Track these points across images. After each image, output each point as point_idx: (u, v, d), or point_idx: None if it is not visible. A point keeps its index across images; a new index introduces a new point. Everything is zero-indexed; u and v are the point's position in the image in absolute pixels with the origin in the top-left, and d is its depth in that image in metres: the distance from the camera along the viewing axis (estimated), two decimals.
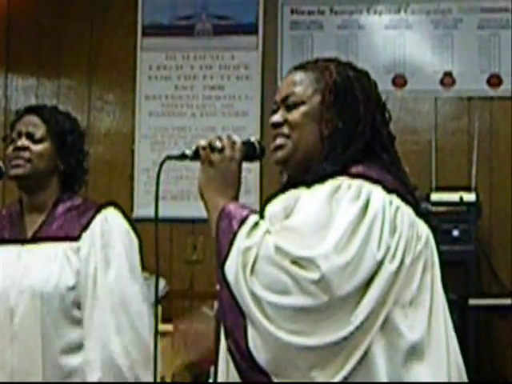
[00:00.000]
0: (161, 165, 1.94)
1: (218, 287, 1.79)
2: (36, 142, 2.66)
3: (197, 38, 5.35)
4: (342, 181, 1.78)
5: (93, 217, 2.66)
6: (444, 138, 5.06)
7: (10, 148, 2.66)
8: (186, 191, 5.18)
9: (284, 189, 1.90)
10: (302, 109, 1.91)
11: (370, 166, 1.83)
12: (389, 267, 1.71)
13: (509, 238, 4.89)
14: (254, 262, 1.73)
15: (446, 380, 1.75)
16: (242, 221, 1.79)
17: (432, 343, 1.74)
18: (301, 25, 5.27)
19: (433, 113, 5.10)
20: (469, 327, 4.20)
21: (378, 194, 1.77)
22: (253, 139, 1.99)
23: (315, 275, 1.67)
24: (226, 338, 1.77)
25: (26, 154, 2.64)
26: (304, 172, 1.89)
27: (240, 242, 1.76)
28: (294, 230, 1.74)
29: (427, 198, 4.42)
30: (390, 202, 1.77)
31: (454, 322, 1.85)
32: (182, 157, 1.96)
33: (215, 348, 1.89)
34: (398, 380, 1.70)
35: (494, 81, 5.07)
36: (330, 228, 1.71)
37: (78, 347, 2.57)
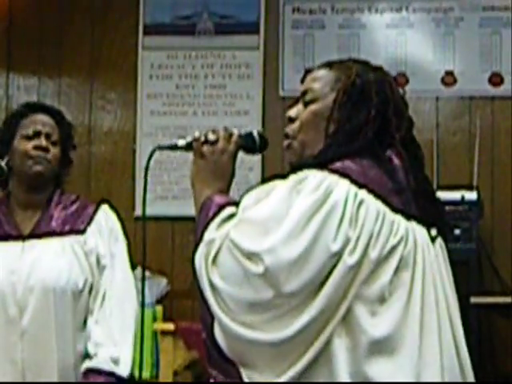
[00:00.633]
0: (150, 155, 1.97)
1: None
2: (52, 143, 2.73)
3: (198, 37, 5.35)
4: (309, 172, 1.75)
5: (95, 211, 2.75)
6: (445, 136, 5.06)
7: (30, 145, 2.70)
8: (187, 190, 5.17)
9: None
10: (314, 107, 1.90)
11: (357, 161, 1.78)
12: (348, 260, 1.66)
13: (510, 237, 4.89)
14: (217, 253, 1.73)
15: (414, 379, 1.68)
16: (217, 212, 1.80)
17: (405, 341, 1.69)
18: (302, 24, 5.27)
19: (434, 112, 5.10)
20: (470, 325, 4.21)
21: (342, 186, 1.72)
22: (254, 131, 1.99)
23: (259, 269, 1.66)
24: (201, 324, 1.78)
25: (48, 156, 2.70)
26: None
27: (208, 233, 1.77)
28: (252, 223, 1.72)
29: None
30: (355, 195, 1.72)
31: None
32: (173, 147, 1.98)
33: None
34: (362, 375, 1.66)
35: (496, 80, 5.07)
36: (284, 220, 1.68)
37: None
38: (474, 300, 4.35)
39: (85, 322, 2.66)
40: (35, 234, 2.68)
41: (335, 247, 1.66)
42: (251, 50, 5.30)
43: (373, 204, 1.73)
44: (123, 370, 2.59)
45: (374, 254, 1.70)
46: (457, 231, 4.47)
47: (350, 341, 1.67)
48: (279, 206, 1.71)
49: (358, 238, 1.68)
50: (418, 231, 1.80)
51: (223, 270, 1.71)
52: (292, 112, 1.94)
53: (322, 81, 1.92)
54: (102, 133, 5.38)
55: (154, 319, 4.66)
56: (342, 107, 1.86)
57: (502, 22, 5.10)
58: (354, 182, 1.74)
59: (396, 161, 1.84)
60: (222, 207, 1.81)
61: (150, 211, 5.37)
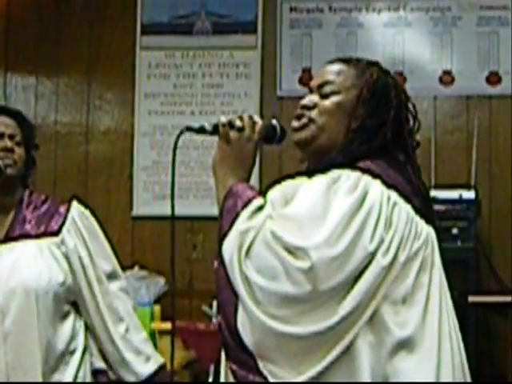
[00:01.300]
0: (178, 136, 1.93)
1: (215, 264, 1.80)
2: (17, 144, 2.72)
3: (196, 36, 5.35)
4: (342, 172, 1.78)
5: (67, 211, 2.73)
6: (443, 136, 5.06)
7: None
8: (185, 189, 5.18)
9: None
10: (336, 98, 1.92)
11: (377, 163, 1.83)
12: (381, 261, 1.71)
13: (508, 236, 4.89)
14: (251, 245, 1.74)
15: (433, 378, 1.73)
16: (247, 203, 1.79)
17: (424, 341, 1.73)
18: (300, 23, 5.27)
19: (432, 111, 5.10)
20: (468, 324, 4.21)
21: (376, 187, 1.77)
22: (274, 122, 1.98)
23: (305, 264, 1.68)
24: (218, 312, 1.79)
25: (15, 156, 2.70)
26: (319, 160, 1.89)
27: (240, 223, 1.77)
28: (290, 219, 1.74)
29: None
30: (388, 197, 1.77)
31: None
32: (201, 130, 1.94)
33: (218, 348, 1.89)
34: (382, 374, 1.70)
35: (493, 79, 5.07)
36: (325, 219, 1.71)
37: (71, 337, 2.65)
38: (471, 299, 4.36)
39: (62, 321, 2.66)
40: (10, 237, 2.68)
41: (371, 247, 1.71)
42: (249, 49, 5.30)
43: (404, 207, 1.79)
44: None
45: (403, 256, 1.75)
46: (454, 230, 4.48)
47: (375, 340, 1.71)
48: (317, 204, 1.74)
49: (391, 240, 1.74)
50: (433, 233, 1.85)
51: (258, 262, 1.72)
52: (307, 100, 1.95)
53: (342, 75, 1.94)
54: (100, 132, 5.38)
55: (152, 318, 4.66)
56: (366, 104, 1.90)
57: (499, 21, 5.10)
58: (384, 182, 1.79)
59: (402, 159, 1.90)
60: (252, 198, 1.81)
61: (148, 211, 5.38)
